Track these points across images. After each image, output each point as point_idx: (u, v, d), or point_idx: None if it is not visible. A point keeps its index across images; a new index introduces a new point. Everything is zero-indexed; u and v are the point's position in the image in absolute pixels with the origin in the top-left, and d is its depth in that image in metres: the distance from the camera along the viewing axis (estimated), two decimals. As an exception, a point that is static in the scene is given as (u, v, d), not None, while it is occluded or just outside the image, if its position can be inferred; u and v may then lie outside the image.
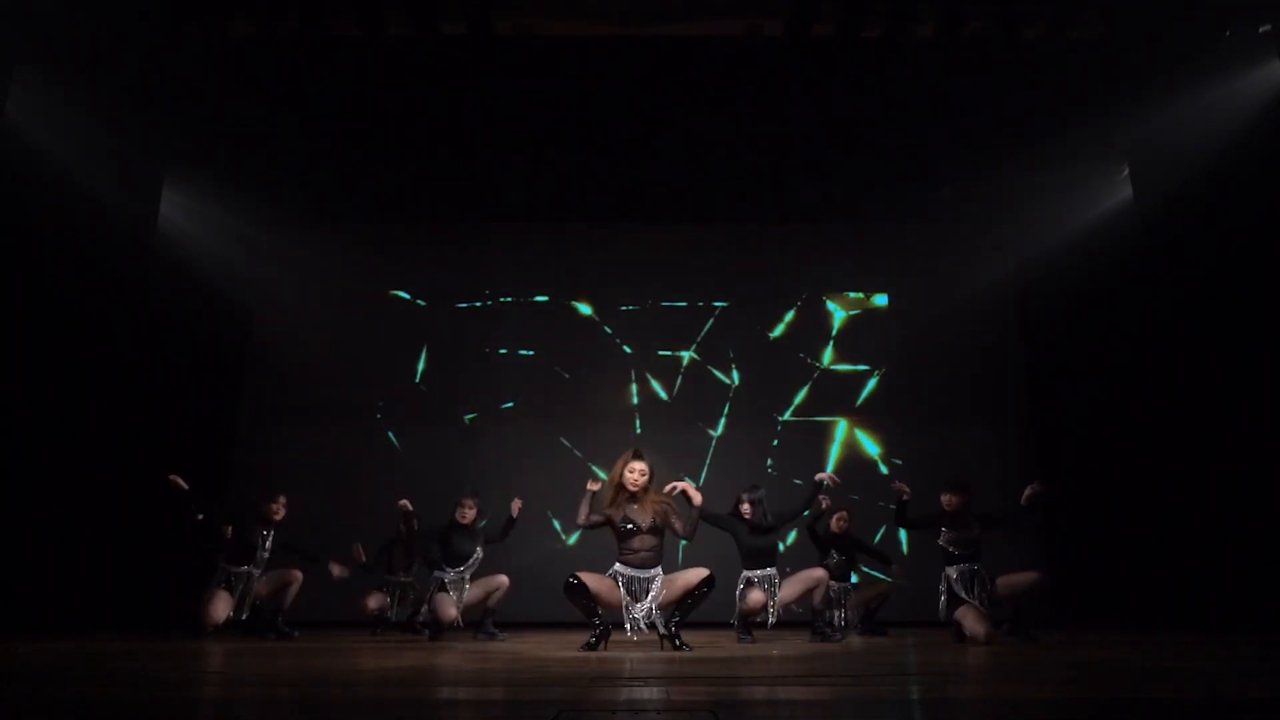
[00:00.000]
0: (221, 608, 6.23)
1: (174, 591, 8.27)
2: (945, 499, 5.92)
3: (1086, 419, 8.85)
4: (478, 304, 10.19)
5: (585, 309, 10.15)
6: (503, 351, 10.02)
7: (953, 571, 5.82)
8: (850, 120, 8.75)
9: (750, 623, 6.06)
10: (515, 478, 9.36)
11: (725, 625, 6.24)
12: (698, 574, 5.01)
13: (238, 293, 9.84)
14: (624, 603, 4.95)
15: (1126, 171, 8.44)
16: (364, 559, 6.96)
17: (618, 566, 5.02)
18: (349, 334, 9.89)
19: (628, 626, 4.92)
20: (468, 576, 6.35)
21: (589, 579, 4.94)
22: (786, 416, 9.86)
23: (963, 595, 5.72)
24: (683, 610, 5.01)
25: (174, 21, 7.33)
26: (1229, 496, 6.85)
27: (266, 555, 6.51)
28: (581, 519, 4.96)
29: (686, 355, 10.05)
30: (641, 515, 5.01)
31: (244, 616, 6.44)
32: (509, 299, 10.20)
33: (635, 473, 5.02)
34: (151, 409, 8.29)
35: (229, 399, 9.66)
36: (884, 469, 9.65)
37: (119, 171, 7.89)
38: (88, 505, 7.44)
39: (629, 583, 4.97)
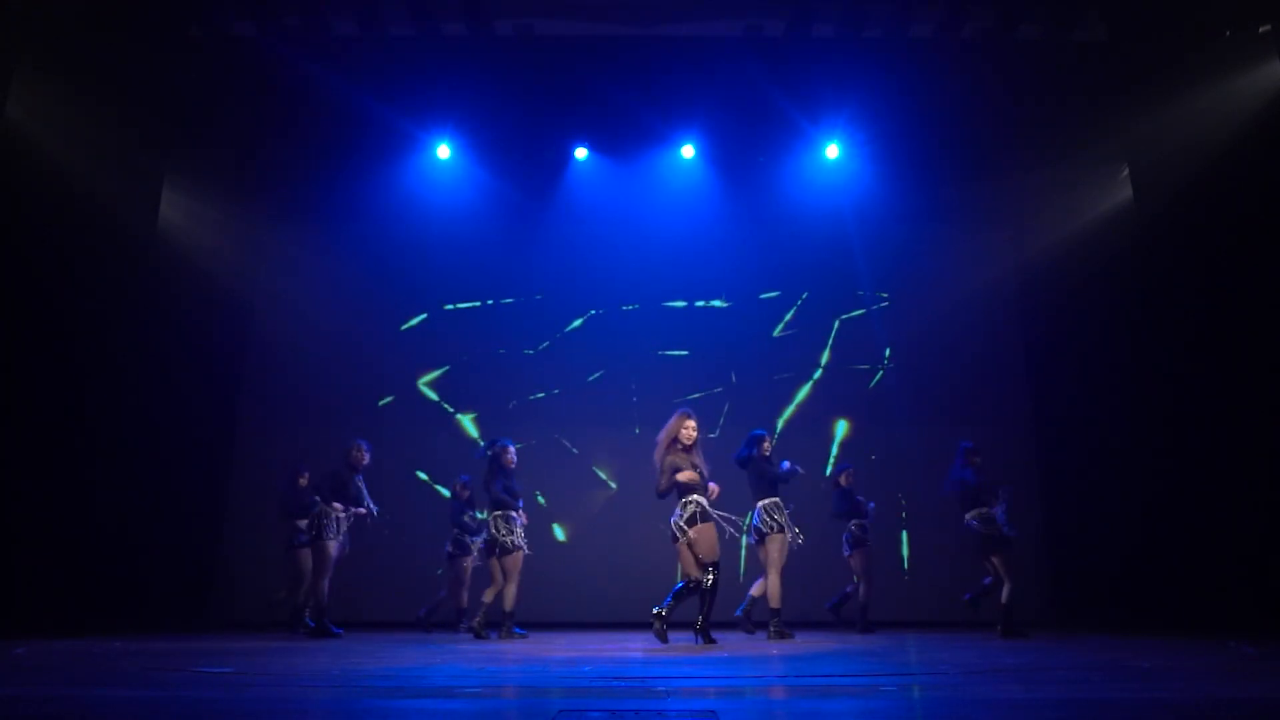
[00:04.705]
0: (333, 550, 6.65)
1: (172, 592, 8.28)
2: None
3: (1086, 419, 8.83)
4: (477, 304, 10.18)
5: (586, 308, 10.14)
6: (502, 351, 10.00)
7: None
8: (852, 119, 8.76)
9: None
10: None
11: (724, 625, 6.23)
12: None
13: (238, 293, 9.82)
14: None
15: (1126, 171, 8.43)
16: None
17: (708, 506, 5.53)
18: (349, 334, 9.87)
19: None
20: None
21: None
22: (786, 416, 9.85)
23: None
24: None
25: (174, 21, 7.34)
26: (1228, 497, 6.84)
27: (366, 497, 6.89)
28: (669, 482, 5.53)
29: (687, 355, 10.04)
30: (703, 463, 5.71)
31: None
32: (509, 299, 10.18)
33: (691, 429, 5.71)
34: (152, 409, 8.28)
35: (229, 398, 9.65)
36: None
37: (119, 172, 7.87)
38: (89, 505, 7.43)
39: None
